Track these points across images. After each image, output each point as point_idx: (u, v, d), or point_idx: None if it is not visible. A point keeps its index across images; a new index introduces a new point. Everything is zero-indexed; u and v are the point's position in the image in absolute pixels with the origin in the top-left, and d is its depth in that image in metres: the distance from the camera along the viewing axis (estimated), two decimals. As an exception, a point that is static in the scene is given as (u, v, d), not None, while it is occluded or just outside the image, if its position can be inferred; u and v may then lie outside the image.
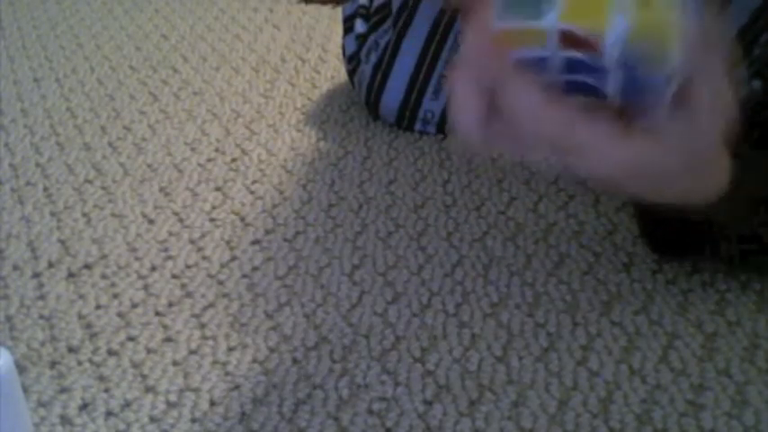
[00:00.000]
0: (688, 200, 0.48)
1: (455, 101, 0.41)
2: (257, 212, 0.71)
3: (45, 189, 0.77)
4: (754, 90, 0.57)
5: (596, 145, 0.40)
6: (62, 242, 0.69)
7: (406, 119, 0.82)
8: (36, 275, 0.65)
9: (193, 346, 0.57)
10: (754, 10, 0.60)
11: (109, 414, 0.52)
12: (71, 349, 0.57)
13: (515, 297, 0.59)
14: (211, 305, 0.60)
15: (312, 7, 1.20)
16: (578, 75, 0.39)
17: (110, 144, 0.84)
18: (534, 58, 0.39)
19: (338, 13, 1.12)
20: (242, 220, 0.70)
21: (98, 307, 0.61)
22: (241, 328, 0.58)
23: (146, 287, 0.63)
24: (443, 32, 0.81)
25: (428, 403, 0.51)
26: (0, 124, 0.90)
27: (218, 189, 0.75)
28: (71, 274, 0.65)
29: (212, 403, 0.52)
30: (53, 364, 0.56)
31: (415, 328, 0.57)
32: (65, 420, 0.52)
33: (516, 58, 0.39)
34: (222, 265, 0.65)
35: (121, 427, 0.51)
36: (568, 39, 0.38)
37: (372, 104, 0.84)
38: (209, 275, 0.64)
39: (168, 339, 0.58)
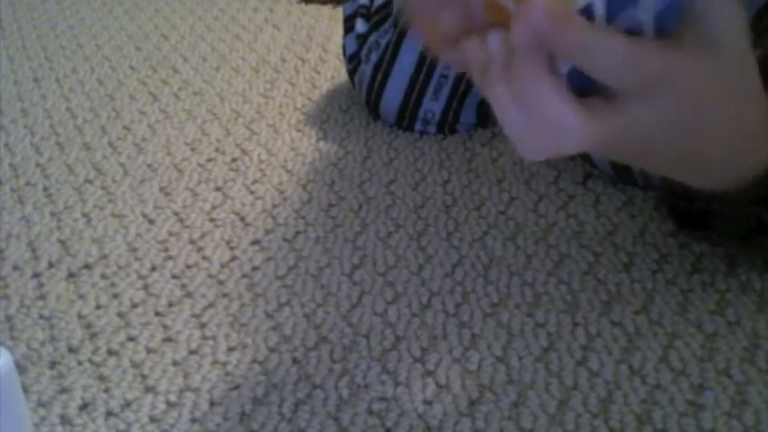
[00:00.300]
0: (729, 182, 0.48)
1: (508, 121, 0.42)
2: (257, 212, 0.71)
3: (45, 189, 0.77)
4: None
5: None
6: (62, 242, 0.69)
7: (406, 119, 0.82)
8: (36, 275, 0.65)
9: (193, 346, 0.57)
10: (754, 12, 0.60)
11: (109, 414, 0.52)
12: (71, 349, 0.57)
13: (515, 297, 0.59)
14: (211, 305, 0.60)
15: (312, 7, 1.20)
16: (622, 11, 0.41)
17: (110, 144, 0.84)
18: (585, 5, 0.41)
19: (338, 13, 1.13)
20: (242, 220, 0.70)
21: (98, 307, 0.61)
22: (241, 328, 0.58)
23: (146, 287, 0.63)
24: None
25: (428, 403, 0.51)
26: (0, 124, 0.90)
27: (218, 189, 0.75)
28: (71, 274, 0.65)
29: (212, 403, 0.52)
30: (53, 364, 0.56)
31: (415, 328, 0.57)
32: (65, 420, 0.52)
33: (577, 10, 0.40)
34: (222, 265, 0.65)
35: (121, 427, 0.51)
36: None
37: (372, 104, 0.84)
38: (210, 275, 0.64)
39: (168, 339, 0.58)
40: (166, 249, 0.67)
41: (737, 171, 0.49)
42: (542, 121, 0.42)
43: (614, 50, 0.40)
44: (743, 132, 0.47)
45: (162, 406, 0.52)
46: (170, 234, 0.69)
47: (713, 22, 0.44)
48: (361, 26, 0.86)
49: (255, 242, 0.67)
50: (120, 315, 0.60)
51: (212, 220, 0.71)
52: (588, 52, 0.41)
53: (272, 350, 0.56)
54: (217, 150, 0.82)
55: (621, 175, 0.70)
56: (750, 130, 0.47)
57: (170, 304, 0.61)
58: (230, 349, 0.56)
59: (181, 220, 0.71)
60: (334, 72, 0.97)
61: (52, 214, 0.73)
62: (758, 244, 0.59)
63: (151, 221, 0.71)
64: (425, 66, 0.81)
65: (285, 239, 0.67)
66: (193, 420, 0.51)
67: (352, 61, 0.86)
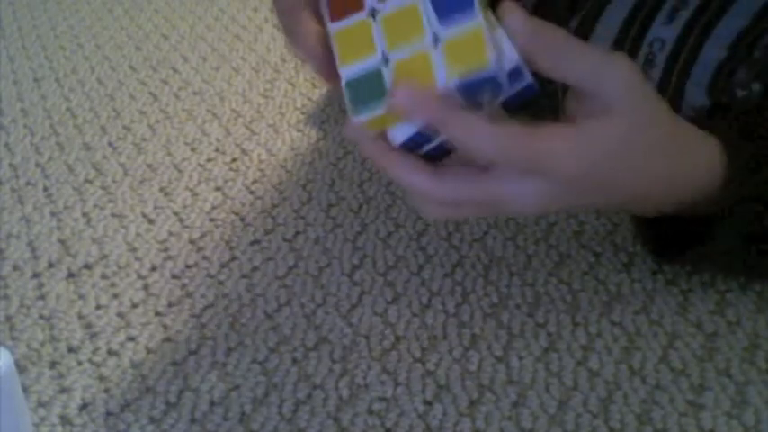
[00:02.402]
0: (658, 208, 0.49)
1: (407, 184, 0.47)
2: (257, 212, 0.71)
3: (45, 189, 0.77)
4: (753, 93, 0.57)
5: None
6: (62, 242, 0.69)
7: None
8: (36, 275, 0.65)
9: (193, 346, 0.57)
10: (755, 13, 0.60)
11: (109, 414, 0.52)
12: (71, 349, 0.57)
13: (515, 297, 0.59)
14: (211, 305, 0.60)
15: (312, 7, 1.20)
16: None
17: (110, 144, 0.84)
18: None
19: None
20: (242, 220, 0.70)
21: (98, 307, 0.61)
22: (241, 328, 0.58)
23: (146, 287, 0.63)
24: None
25: (428, 403, 0.51)
26: (0, 124, 0.90)
27: (218, 189, 0.75)
28: (71, 274, 0.65)
29: (212, 403, 0.52)
30: (53, 364, 0.56)
31: (415, 328, 0.57)
32: (65, 420, 0.52)
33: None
34: (222, 266, 0.65)
35: (121, 427, 0.51)
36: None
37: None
38: (209, 275, 0.64)
39: (168, 339, 0.58)
40: (166, 249, 0.67)
41: (676, 196, 0.49)
42: (409, 193, 0.48)
43: (482, 139, 0.44)
44: (668, 168, 0.47)
45: (162, 406, 0.52)
46: (170, 234, 0.69)
47: (599, 91, 0.45)
48: None
49: (255, 242, 0.67)
50: (119, 315, 0.60)
51: (212, 220, 0.71)
52: (455, 134, 0.44)
53: (271, 350, 0.56)
54: (217, 150, 0.82)
55: None
56: (676, 162, 0.48)
57: (170, 304, 0.61)
58: (230, 349, 0.56)
59: (181, 220, 0.71)
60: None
61: (52, 214, 0.73)
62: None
63: (151, 221, 0.71)
64: None
65: (285, 239, 0.67)
66: (193, 421, 0.51)
67: None
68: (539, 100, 0.47)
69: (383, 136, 0.48)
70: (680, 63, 0.61)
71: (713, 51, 0.60)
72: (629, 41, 0.63)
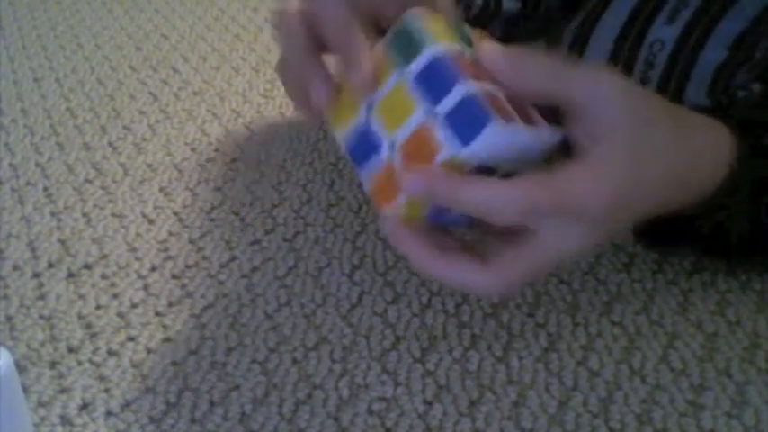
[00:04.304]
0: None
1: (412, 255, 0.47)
2: (257, 213, 0.71)
3: (45, 189, 0.77)
4: (753, 93, 0.57)
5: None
6: (62, 242, 0.69)
7: None
8: (36, 275, 0.65)
9: (193, 346, 0.57)
10: (755, 15, 0.60)
11: (109, 414, 0.52)
12: (71, 349, 0.57)
13: (515, 297, 0.59)
14: (211, 305, 0.60)
15: (312, 7, 1.20)
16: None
17: (110, 144, 0.84)
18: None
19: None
20: (241, 220, 0.70)
21: (98, 307, 0.61)
22: (241, 328, 0.58)
23: (145, 287, 0.63)
24: None
25: (428, 403, 0.51)
26: (0, 124, 0.90)
27: (217, 189, 0.75)
28: (71, 274, 0.65)
29: (212, 403, 0.52)
30: (53, 364, 0.56)
31: (415, 328, 0.57)
32: (65, 420, 0.52)
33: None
34: (222, 266, 0.65)
35: (121, 427, 0.51)
36: None
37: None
38: (209, 275, 0.64)
39: (168, 339, 0.58)
40: (166, 249, 0.67)
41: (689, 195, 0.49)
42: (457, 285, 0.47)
43: (504, 200, 0.43)
44: (681, 172, 0.47)
45: (162, 406, 0.52)
46: (170, 234, 0.69)
47: (588, 121, 0.45)
48: None
49: (255, 242, 0.67)
50: (119, 315, 0.60)
51: (212, 220, 0.71)
52: (477, 205, 0.44)
53: (271, 350, 0.56)
54: (217, 150, 0.82)
55: None
56: (687, 167, 0.47)
57: (170, 304, 0.61)
58: (230, 349, 0.56)
59: (181, 220, 0.71)
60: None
61: (52, 214, 0.73)
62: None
63: (151, 221, 0.71)
64: None
65: (285, 239, 0.67)
66: (193, 421, 0.51)
67: None
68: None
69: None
70: (680, 64, 0.61)
71: (713, 53, 0.60)
72: (629, 42, 0.63)
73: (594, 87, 0.44)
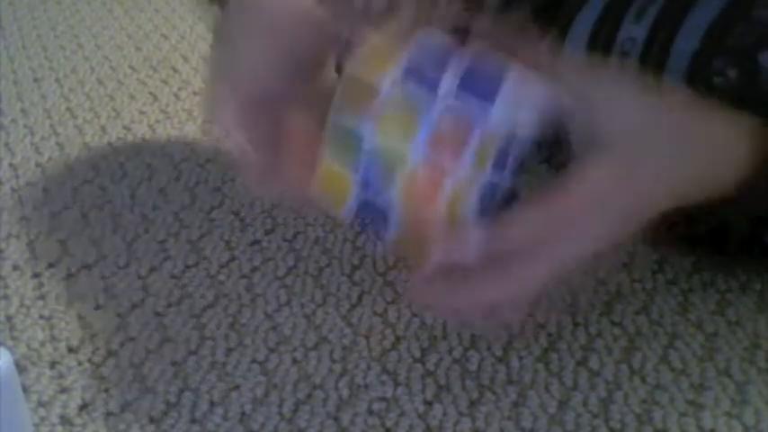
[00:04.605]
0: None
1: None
2: (256, 213, 0.71)
3: (45, 189, 0.77)
4: (730, 79, 0.56)
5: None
6: (62, 242, 0.69)
7: None
8: (36, 275, 0.65)
9: (192, 346, 0.57)
10: (723, 5, 0.60)
11: (108, 414, 0.52)
12: (71, 349, 0.57)
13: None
14: (210, 306, 0.60)
15: (312, 7, 1.20)
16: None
17: (110, 144, 0.84)
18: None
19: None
20: (241, 220, 0.70)
21: (97, 307, 0.61)
22: (240, 328, 0.58)
23: (145, 287, 0.63)
24: None
25: (428, 403, 0.51)
26: (0, 124, 0.90)
27: (217, 189, 0.75)
28: (71, 275, 0.65)
29: (212, 404, 0.52)
30: (53, 364, 0.56)
31: (415, 328, 0.57)
32: (65, 420, 0.52)
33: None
34: (221, 266, 0.65)
35: (121, 427, 0.51)
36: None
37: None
38: (209, 276, 0.64)
39: (167, 340, 0.58)
40: (165, 250, 0.67)
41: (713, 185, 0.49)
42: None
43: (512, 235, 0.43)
44: (699, 167, 0.47)
45: (161, 406, 0.52)
46: (169, 234, 0.69)
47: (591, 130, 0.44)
48: None
49: (255, 242, 0.67)
50: (119, 315, 0.60)
51: (211, 220, 0.71)
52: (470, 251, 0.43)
53: (271, 350, 0.56)
54: (216, 150, 0.82)
55: None
56: (704, 163, 0.47)
57: (169, 305, 0.61)
58: (230, 349, 0.56)
59: (180, 221, 0.71)
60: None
61: (52, 214, 0.73)
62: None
63: (151, 221, 0.71)
64: None
65: (284, 239, 0.67)
66: (193, 421, 0.51)
67: None
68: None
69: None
70: (653, 58, 0.61)
71: (685, 44, 0.60)
72: (602, 39, 0.63)
73: (595, 91, 0.44)
